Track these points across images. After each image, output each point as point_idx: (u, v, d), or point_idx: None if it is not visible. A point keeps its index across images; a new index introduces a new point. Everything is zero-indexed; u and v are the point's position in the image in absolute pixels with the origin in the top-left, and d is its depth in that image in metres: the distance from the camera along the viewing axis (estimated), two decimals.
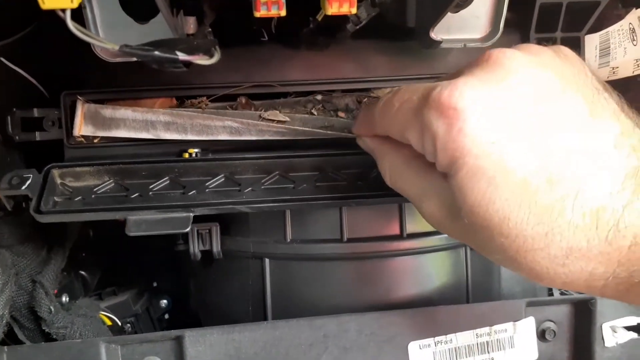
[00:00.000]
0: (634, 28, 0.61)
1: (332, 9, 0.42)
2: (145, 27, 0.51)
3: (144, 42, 0.41)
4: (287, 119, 0.57)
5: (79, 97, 0.57)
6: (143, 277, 0.82)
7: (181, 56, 0.36)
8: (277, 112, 0.58)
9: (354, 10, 0.42)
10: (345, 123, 0.59)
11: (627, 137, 0.35)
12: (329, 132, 0.57)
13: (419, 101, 0.38)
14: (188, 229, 0.49)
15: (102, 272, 0.80)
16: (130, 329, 0.77)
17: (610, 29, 0.63)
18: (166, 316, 0.85)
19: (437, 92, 0.36)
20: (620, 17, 0.63)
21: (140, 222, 0.49)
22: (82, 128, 0.56)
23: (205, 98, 0.58)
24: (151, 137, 0.56)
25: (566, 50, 0.39)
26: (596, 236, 0.33)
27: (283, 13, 0.41)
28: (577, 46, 0.63)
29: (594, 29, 0.63)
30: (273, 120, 0.56)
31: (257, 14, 0.41)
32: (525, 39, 0.62)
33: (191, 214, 0.50)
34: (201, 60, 0.38)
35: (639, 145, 0.35)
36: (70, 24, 0.33)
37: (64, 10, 0.32)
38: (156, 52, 0.35)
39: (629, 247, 0.32)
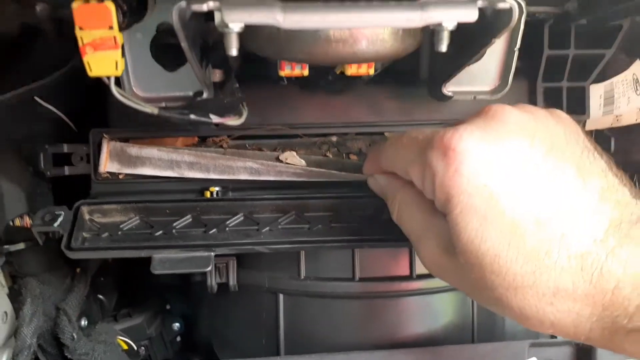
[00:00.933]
0: (637, 78, 0.64)
1: (351, 70, 0.45)
2: (174, 74, 0.54)
3: (173, 92, 0.44)
4: (303, 162, 0.60)
5: (104, 135, 0.59)
6: (156, 300, 0.84)
7: (214, 119, 0.39)
8: (294, 153, 0.61)
9: (371, 72, 0.45)
10: (358, 165, 0.61)
11: (612, 193, 0.38)
12: (342, 173, 0.60)
13: (424, 141, 0.41)
14: (209, 269, 0.51)
15: (118, 295, 0.82)
16: (144, 353, 0.79)
17: (614, 79, 0.65)
18: (178, 339, 0.86)
19: (440, 134, 0.39)
20: (624, 67, 0.66)
21: (165, 261, 0.52)
22: (107, 165, 0.59)
23: (226, 137, 0.61)
24: (175, 175, 0.59)
25: (560, 112, 0.43)
26: (581, 278, 0.36)
27: (306, 73, 0.44)
28: (582, 95, 0.65)
29: (599, 79, 0.66)
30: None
31: (282, 73, 0.44)
32: (532, 88, 0.65)
33: (212, 253, 0.52)
34: (232, 121, 0.41)
35: (624, 200, 0.38)
36: (115, 90, 0.36)
37: (108, 77, 0.35)
38: (192, 116, 0.38)
39: (612, 291, 0.35)
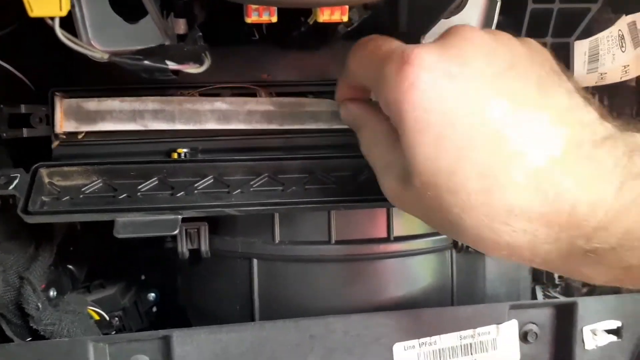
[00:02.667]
0: (623, 35, 0.62)
1: (324, 16, 0.42)
2: (134, 26, 0.50)
3: (134, 45, 0.41)
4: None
5: (56, 92, 0.56)
6: (130, 270, 0.82)
7: (171, 65, 0.36)
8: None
9: (345, 18, 0.42)
10: (334, 103, 0.58)
11: (576, 112, 0.37)
12: (313, 100, 0.58)
13: (385, 53, 0.40)
14: (176, 232, 0.49)
15: (89, 265, 0.80)
16: (117, 323, 0.77)
17: (599, 35, 0.63)
18: (154, 309, 0.85)
19: (400, 49, 0.38)
20: (609, 23, 0.64)
21: (129, 224, 0.49)
22: (63, 124, 0.56)
23: (194, 91, 0.58)
24: (139, 127, 0.55)
25: (530, 40, 0.42)
26: (536, 197, 0.34)
27: (274, 19, 0.41)
28: (566, 51, 0.63)
29: (584, 35, 0.64)
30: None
31: (248, 20, 0.41)
32: None
33: (179, 216, 0.50)
34: (191, 69, 0.38)
35: (588, 120, 0.37)
36: (59, 32, 0.32)
37: (52, 18, 0.32)
38: (146, 62, 0.35)
39: (569, 211, 0.34)
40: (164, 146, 0.57)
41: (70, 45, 0.34)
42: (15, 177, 0.51)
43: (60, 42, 0.57)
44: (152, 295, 0.84)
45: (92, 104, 0.55)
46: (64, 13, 0.32)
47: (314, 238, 0.58)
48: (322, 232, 0.58)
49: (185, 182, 0.53)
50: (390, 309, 0.56)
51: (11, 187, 0.50)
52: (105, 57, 0.35)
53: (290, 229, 0.58)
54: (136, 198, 0.52)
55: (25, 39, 0.58)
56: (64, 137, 0.57)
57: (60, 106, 0.55)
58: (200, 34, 0.44)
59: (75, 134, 0.57)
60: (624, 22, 0.62)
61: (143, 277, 0.84)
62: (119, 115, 0.54)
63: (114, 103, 0.54)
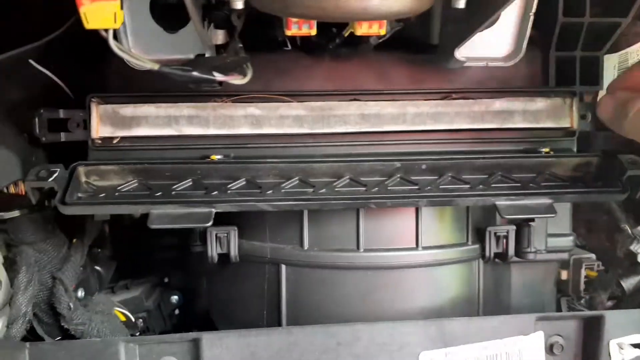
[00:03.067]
0: None
1: (362, 30, 0.43)
2: (173, 36, 0.51)
3: (173, 55, 0.42)
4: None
5: (92, 99, 0.57)
6: (154, 272, 0.83)
7: (218, 77, 0.37)
8: None
9: (382, 31, 0.43)
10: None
11: None
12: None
13: None
14: (210, 224, 0.50)
15: (116, 267, 0.81)
16: (142, 325, 0.78)
17: (629, 49, 0.63)
18: (176, 312, 0.86)
19: None
20: (638, 37, 0.64)
21: (163, 216, 0.50)
22: (100, 129, 0.57)
23: (226, 99, 0.59)
24: (174, 132, 0.57)
25: None
26: None
27: (314, 32, 0.42)
28: (596, 66, 0.63)
29: (613, 49, 0.64)
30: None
31: (288, 33, 0.42)
32: (545, 57, 0.63)
33: (213, 209, 0.51)
34: (236, 80, 0.39)
35: None
36: (113, 43, 0.34)
37: (106, 30, 0.33)
38: (194, 73, 0.36)
39: None
40: (197, 153, 0.58)
41: (123, 56, 0.35)
42: (54, 172, 0.52)
43: (98, 49, 0.60)
44: (175, 298, 0.85)
45: (128, 110, 0.56)
46: (118, 25, 0.33)
47: (342, 246, 0.59)
48: (350, 240, 0.58)
49: (219, 183, 0.54)
50: (416, 318, 0.56)
51: (51, 180, 0.51)
52: (156, 67, 0.36)
53: (319, 236, 0.59)
54: (170, 196, 0.53)
55: (64, 47, 0.60)
56: (100, 141, 0.58)
57: (97, 112, 0.57)
58: (241, 45, 0.45)
59: (111, 139, 0.58)
60: None
61: (167, 280, 0.85)
62: (155, 121, 0.56)
63: (149, 109, 0.56)
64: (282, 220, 0.60)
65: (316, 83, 0.61)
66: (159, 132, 0.57)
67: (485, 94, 0.61)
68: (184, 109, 0.56)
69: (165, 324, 0.84)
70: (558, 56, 0.63)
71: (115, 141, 0.59)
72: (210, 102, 0.57)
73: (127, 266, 0.82)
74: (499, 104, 0.60)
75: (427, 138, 0.61)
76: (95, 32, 0.37)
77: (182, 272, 0.84)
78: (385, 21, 0.42)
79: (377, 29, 0.43)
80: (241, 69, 0.41)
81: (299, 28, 0.42)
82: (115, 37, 0.46)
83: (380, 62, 0.61)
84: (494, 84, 0.62)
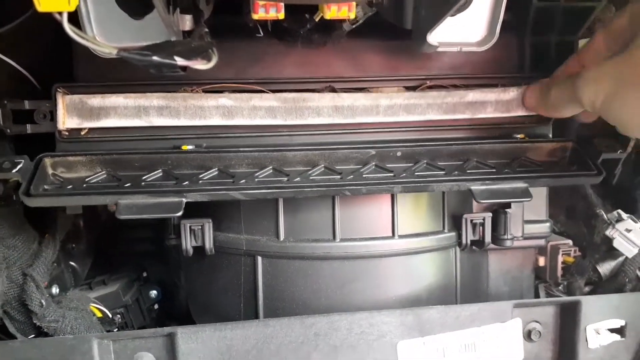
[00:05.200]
0: None
1: (331, 13, 0.42)
2: (139, 22, 0.50)
3: (139, 42, 0.40)
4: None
5: (58, 89, 0.56)
6: (132, 267, 0.82)
7: (179, 61, 0.36)
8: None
9: (352, 15, 0.42)
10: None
11: None
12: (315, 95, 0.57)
13: None
14: (180, 213, 0.49)
15: (92, 262, 0.80)
16: (120, 320, 0.77)
17: None
18: (155, 306, 0.85)
19: None
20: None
21: (131, 206, 0.49)
22: (66, 120, 0.56)
23: (197, 87, 0.57)
24: (143, 124, 0.55)
25: None
26: None
27: (281, 16, 0.41)
28: (571, 50, 0.63)
29: (588, 33, 0.63)
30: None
31: (255, 17, 0.41)
32: (520, 42, 0.62)
33: (183, 199, 0.50)
34: (199, 65, 0.37)
35: None
36: (67, 26, 0.32)
37: (60, 13, 0.32)
38: (154, 57, 0.34)
39: None
40: (168, 143, 0.57)
41: (78, 40, 0.34)
42: (19, 163, 0.51)
43: (64, 38, 0.58)
44: (154, 293, 0.83)
45: (95, 100, 0.54)
46: (72, 8, 0.32)
47: (318, 236, 0.58)
48: (326, 230, 0.58)
49: (190, 173, 0.53)
50: (394, 307, 0.56)
51: (14, 171, 0.50)
52: (114, 52, 0.35)
53: (295, 226, 0.58)
54: (140, 187, 0.52)
55: (29, 36, 0.58)
56: (67, 133, 0.56)
57: (63, 102, 0.55)
58: (207, 30, 0.44)
59: (78, 130, 0.56)
60: None
61: (145, 275, 0.84)
62: (124, 112, 0.54)
63: (118, 99, 0.54)
64: (257, 211, 0.59)
65: (289, 70, 0.60)
66: (128, 122, 0.55)
67: (460, 79, 0.60)
68: (154, 100, 0.54)
69: (144, 319, 0.83)
70: (533, 41, 0.62)
71: (83, 132, 0.57)
72: (180, 93, 0.55)
73: (104, 261, 0.81)
74: (472, 95, 0.59)
75: (401, 126, 0.60)
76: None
77: (161, 267, 0.83)
78: (354, 4, 0.41)
79: (346, 13, 0.42)
80: (206, 54, 0.40)
81: (266, 12, 0.41)
82: (78, 24, 0.45)
83: (353, 49, 0.60)
84: (469, 69, 0.61)
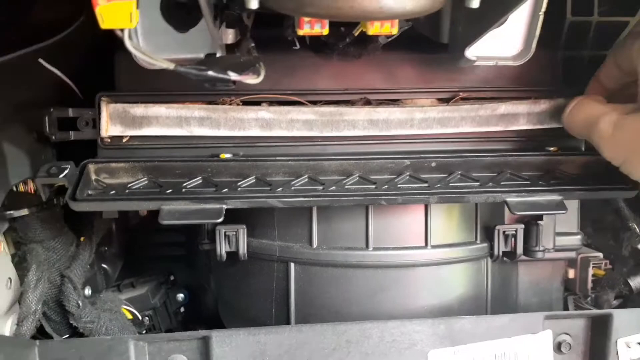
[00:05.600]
0: None
1: (374, 29, 0.43)
2: (184, 35, 0.51)
3: (182, 54, 0.42)
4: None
5: (102, 97, 0.57)
6: (160, 270, 0.84)
7: (233, 76, 0.37)
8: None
9: (394, 31, 0.43)
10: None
11: None
12: (351, 109, 0.58)
13: None
14: (220, 220, 0.50)
15: (122, 265, 0.81)
16: (148, 322, 0.79)
17: None
18: (182, 310, 0.86)
19: None
20: None
21: (174, 212, 0.50)
22: (109, 128, 0.57)
23: (235, 98, 0.59)
24: (185, 133, 0.57)
25: None
26: None
27: (326, 32, 0.42)
28: None
29: None
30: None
31: (300, 32, 0.42)
32: (553, 56, 0.63)
33: (224, 205, 0.51)
34: (250, 79, 0.39)
35: None
36: (129, 43, 0.34)
37: (122, 30, 0.33)
38: (210, 72, 0.36)
39: None
40: (207, 151, 0.58)
41: (138, 55, 0.35)
42: (65, 168, 0.53)
43: (106, 48, 0.60)
44: (181, 296, 0.85)
45: (138, 110, 0.56)
46: (134, 25, 0.33)
47: (351, 244, 0.59)
48: (359, 239, 0.59)
49: (229, 181, 0.54)
50: (425, 317, 0.56)
51: (62, 176, 0.52)
52: (172, 66, 0.36)
53: (328, 234, 0.59)
54: (181, 193, 0.53)
55: (73, 46, 0.60)
56: (109, 140, 0.58)
57: (107, 110, 0.57)
58: (253, 44, 0.45)
59: (120, 137, 0.58)
60: None
61: (172, 278, 0.85)
62: (165, 121, 0.56)
63: (160, 109, 0.56)
64: (291, 218, 0.60)
65: (324, 82, 0.61)
66: (169, 132, 0.57)
67: (492, 92, 0.61)
68: (195, 111, 0.56)
69: (171, 322, 0.84)
70: (566, 55, 0.63)
71: (124, 140, 0.59)
72: (220, 105, 0.57)
73: (133, 264, 0.82)
74: (504, 107, 0.60)
75: (434, 137, 0.61)
76: (105, 31, 0.37)
77: (189, 270, 0.84)
78: (397, 20, 0.42)
79: (388, 29, 0.43)
80: (254, 68, 0.41)
81: (311, 27, 0.42)
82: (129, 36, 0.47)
83: (388, 61, 0.61)
84: (501, 82, 0.62)
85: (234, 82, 0.38)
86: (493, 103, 0.60)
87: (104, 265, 0.76)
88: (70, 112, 0.59)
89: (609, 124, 0.51)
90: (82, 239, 0.67)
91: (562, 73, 0.63)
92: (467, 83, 0.61)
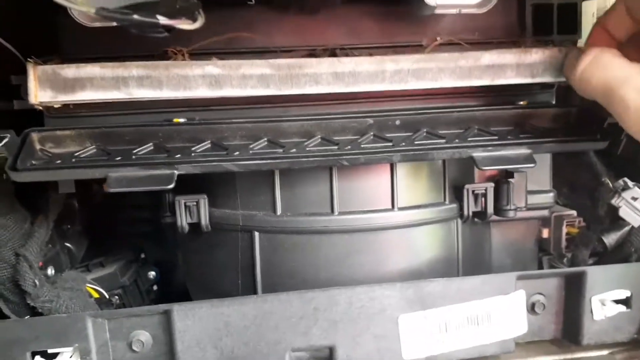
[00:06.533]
0: None
1: None
2: None
3: (123, 5, 0.38)
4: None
5: (28, 59, 0.52)
6: (130, 248, 0.81)
7: (162, 20, 0.34)
8: None
9: None
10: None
11: None
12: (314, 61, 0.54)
13: None
14: (171, 186, 0.48)
15: (89, 244, 0.79)
16: (118, 302, 0.77)
17: None
18: (154, 288, 0.84)
19: None
20: None
21: (122, 179, 0.48)
22: (38, 93, 0.53)
23: (184, 49, 0.55)
24: (123, 96, 0.51)
25: None
26: None
27: None
28: (574, 13, 0.61)
29: None
30: None
31: None
32: (521, 4, 0.60)
33: (175, 171, 0.48)
34: (184, 24, 0.36)
35: None
36: None
37: None
38: (135, 16, 0.33)
39: None
40: (159, 117, 0.56)
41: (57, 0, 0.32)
42: (4, 137, 0.50)
43: (48, 9, 0.56)
44: (152, 274, 0.83)
45: (70, 71, 0.51)
46: None
47: (316, 210, 0.57)
48: (324, 204, 0.56)
49: (182, 146, 0.52)
50: (394, 281, 0.54)
51: (0, 145, 0.48)
52: (92, 10, 0.33)
53: (292, 200, 0.57)
54: (130, 160, 0.50)
55: (12, 9, 0.56)
56: (40, 108, 0.54)
57: (35, 74, 0.51)
58: None
59: (68, 106, 0.54)
60: None
61: (143, 256, 0.83)
62: (100, 83, 0.51)
63: (94, 69, 0.50)
64: (253, 185, 0.58)
65: (283, 39, 0.58)
66: (106, 95, 0.51)
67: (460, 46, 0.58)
68: (133, 69, 0.51)
69: (143, 301, 0.82)
70: (534, 3, 0.60)
71: (56, 107, 0.54)
72: (161, 62, 0.52)
73: (102, 244, 0.80)
74: (488, 57, 0.55)
75: (405, 95, 0.58)
76: None
77: (159, 247, 0.82)
78: None
79: None
80: (191, 14, 0.38)
81: None
82: None
83: (348, 15, 0.58)
84: (468, 35, 0.59)
85: (168, 29, 0.35)
86: (476, 52, 0.55)
87: (68, 244, 0.74)
88: (13, 80, 0.56)
89: (636, 92, 0.44)
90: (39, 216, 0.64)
91: (531, 22, 0.61)
92: (432, 35, 0.59)
